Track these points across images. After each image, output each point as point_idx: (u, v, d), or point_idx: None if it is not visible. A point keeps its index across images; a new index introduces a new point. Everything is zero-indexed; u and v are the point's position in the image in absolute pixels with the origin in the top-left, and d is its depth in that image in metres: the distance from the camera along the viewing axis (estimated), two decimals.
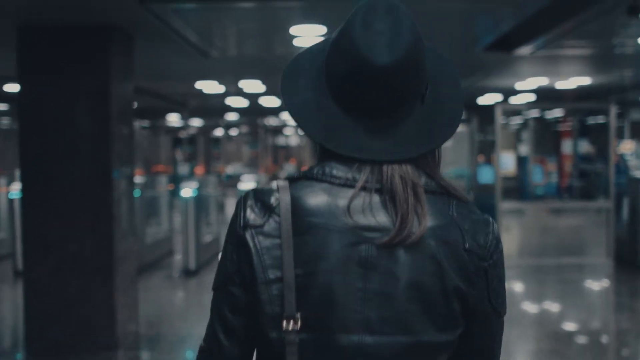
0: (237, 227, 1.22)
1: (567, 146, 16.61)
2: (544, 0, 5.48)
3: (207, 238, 10.93)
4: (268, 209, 1.21)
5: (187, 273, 9.64)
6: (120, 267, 5.80)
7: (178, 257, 10.87)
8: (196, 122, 22.01)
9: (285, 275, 1.17)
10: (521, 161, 16.99)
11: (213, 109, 17.13)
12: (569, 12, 5.86)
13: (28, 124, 5.62)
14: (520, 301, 7.87)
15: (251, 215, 1.22)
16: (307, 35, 6.22)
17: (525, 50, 7.44)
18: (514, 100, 14.05)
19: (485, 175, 15.93)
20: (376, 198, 1.20)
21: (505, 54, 7.53)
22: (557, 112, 17.25)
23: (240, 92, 12.34)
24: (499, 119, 9.76)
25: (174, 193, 12.39)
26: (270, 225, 1.20)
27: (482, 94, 13.67)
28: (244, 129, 23.43)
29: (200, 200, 10.32)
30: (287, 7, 5.55)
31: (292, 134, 25.37)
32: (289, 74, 1.29)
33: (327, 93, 1.23)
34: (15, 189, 10.04)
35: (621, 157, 13.87)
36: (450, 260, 1.19)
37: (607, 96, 13.32)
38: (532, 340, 6.40)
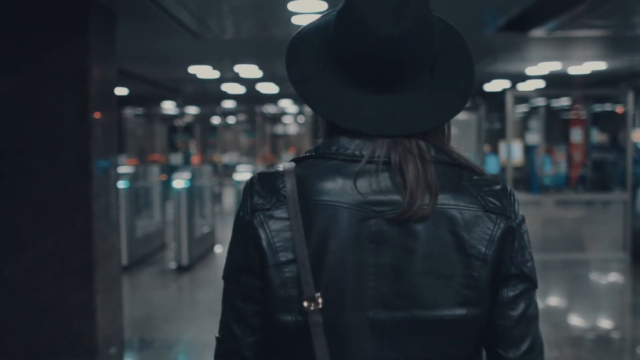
0: (245, 212, 1.21)
1: (576, 135, 16.19)
2: None
3: (202, 231, 10.49)
4: (275, 192, 1.20)
5: (180, 269, 9.21)
6: (101, 266, 5.35)
7: (171, 252, 10.43)
8: (192, 110, 21.57)
9: (298, 256, 1.16)
10: (528, 150, 16.56)
11: (209, 96, 16.69)
12: None
13: None
14: None
15: (258, 200, 1.20)
16: (307, 11, 5.75)
17: (540, 31, 6.98)
18: (522, 87, 13.60)
19: (492, 165, 15.51)
20: (384, 172, 1.18)
21: (518, 36, 7.06)
22: (565, 100, 16.81)
23: (236, 78, 11.89)
24: (510, 106, 9.29)
25: (168, 183, 11.93)
26: (278, 208, 1.19)
27: (489, 80, 13.22)
28: (242, 117, 23.00)
29: (193, 191, 9.87)
30: None
31: (290, 123, 24.92)
32: (294, 47, 1.25)
33: (333, 66, 1.20)
34: None
35: (635, 146, 13.43)
36: (469, 227, 1.17)
37: (618, 83, 12.87)
38: (548, 345, 5.97)
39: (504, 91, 14.50)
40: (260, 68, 10.30)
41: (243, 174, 9.50)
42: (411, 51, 1.16)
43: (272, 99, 17.89)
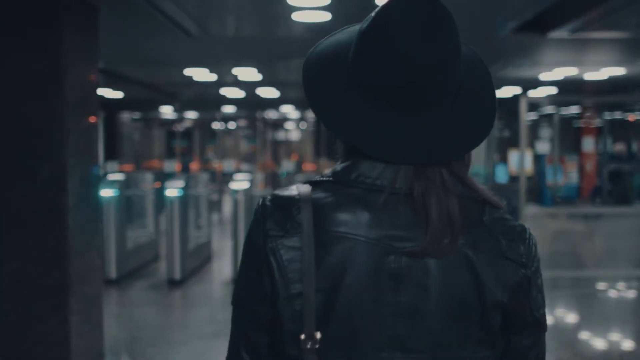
0: (257, 238, 1.17)
1: (588, 144, 15.70)
2: None
3: (197, 242, 9.99)
4: (289, 218, 1.15)
5: (172, 283, 8.71)
6: (77, 288, 4.85)
7: (164, 264, 9.93)
8: (191, 115, 21.12)
9: (305, 290, 1.12)
10: (538, 160, 16.07)
11: (208, 100, 16.22)
12: None
13: None
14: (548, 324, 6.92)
15: (271, 225, 1.16)
16: (307, 5, 5.26)
17: (560, 33, 6.49)
18: (533, 93, 13.12)
19: (500, 175, 15.03)
20: (406, 205, 1.14)
21: (537, 37, 6.57)
22: (575, 107, 16.33)
23: (235, 82, 11.42)
24: (524, 112, 8.78)
25: (162, 191, 11.45)
26: (292, 236, 1.14)
27: (499, 87, 12.73)
28: (242, 122, 22.54)
29: (187, 200, 9.38)
30: None
31: (292, 129, 24.45)
32: (312, 64, 1.21)
33: (356, 89, 1.16)
34: None
35: None
36: (488, 270, 1.14)
37: (632, 90, 12.39)
38: None
39: (514, 97, 14.07)
40: (259, 71, 9.82)
41: (240, 183, 8.99)
42: (439, 77, 1.13)
43: (273, 104, 17.42)
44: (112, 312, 7.61)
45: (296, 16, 5.69)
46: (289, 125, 23.94)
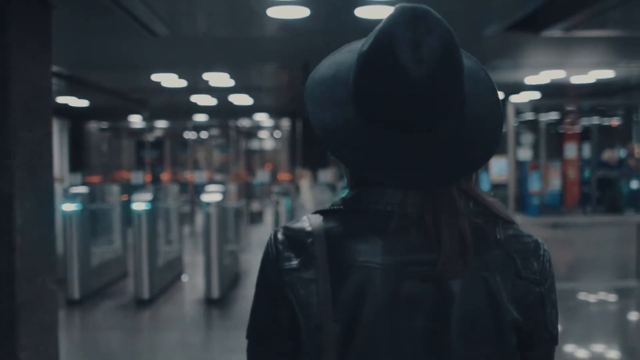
0: (271, 272, 1.18)
1: (570, 150, 15.41)
2: None
3: (166, 259, 9.47)
4: (303, 250, 1.16)
5: (140, 303, 8.18)
6: (27, 317, 4.35)
7: (132, 282, 9.39)
8: (162, 124, 20.56)
9: (322, 322, 1.13)
10: (520, 167, 15.75)
11: (178, 108, 15.71)
12: None
13: None
14: None
15: (284, 258, 1.17)
16: None
17: (555, 31, 6.11)
18: (515, 98, 12.78)
19: (484, 183, 14.69)
20: (418, 228, 1.14)
21: (530, 36, 6.19)
22: (556, 113, 16.07)
23: (206, 89, 10.94)
24: (512, 118, 8.42)
25: (130, 204, 10.91)
26: (308, 269, 1.15)
27: None
28: (215, 131, 22.03)
29: (156, 214, 8.87)
30: None
31: (267, 138, 23.96)
32: (313, 89, 1.21)
33: (358, 110, 1.16)
34: None
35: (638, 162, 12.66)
36: (504, 290, 1.15)
37: (616, 94, 12.12)
38: None
39: (508, 101, 13.77)
40: (232, 76, 9.35)
41: (212, 195, 8.50)
42: (443, 95, 1.12)
43: (247, 111, 16.95)
44: (74, 337, 7.08)
45: (272, 12, 5.25)
46: (262, 134, 23.47)
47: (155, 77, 9.25)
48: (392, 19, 1.13)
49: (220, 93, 11.74)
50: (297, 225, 1.19)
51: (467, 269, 1.12)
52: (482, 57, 5.98)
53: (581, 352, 6.19)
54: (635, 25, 6.31)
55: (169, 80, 9.51)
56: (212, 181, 17.42)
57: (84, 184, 13.41)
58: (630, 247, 8.79)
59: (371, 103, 1.14)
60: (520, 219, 9.03)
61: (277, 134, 22.74)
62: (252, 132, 22.30)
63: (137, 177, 13.31)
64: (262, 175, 16.80)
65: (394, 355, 1.13)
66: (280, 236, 1.19)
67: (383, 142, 1.14)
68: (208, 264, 8.28)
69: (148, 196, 8.38)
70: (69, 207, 8.31)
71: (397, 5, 1.15)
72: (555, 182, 15.00)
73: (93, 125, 18.16)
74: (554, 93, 12.29)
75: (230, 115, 18.78)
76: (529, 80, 10.04)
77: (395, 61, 1.10)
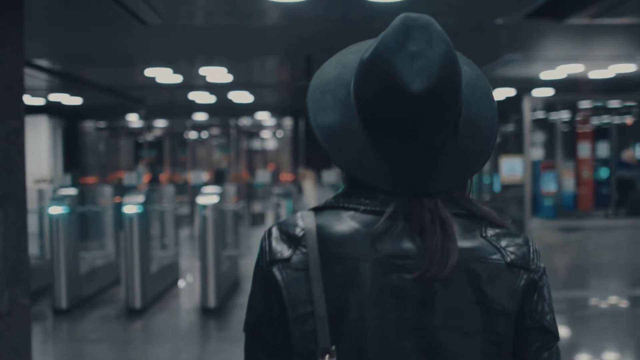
0: (263, 263, 1.22)
1: (584, 149, 14.91)
2: None
3: (160, 265, 9.01)
4: (294, 241, 1.21)
5: (131, 313, 7.72)
6: None
7: (124, 289, 8.92)
8: (160, 124, 20.10)
9: (316, 308, 1.16)
10: (531, 167, 15.24)
11: (176, 107, 15.26)
12: None
13: None
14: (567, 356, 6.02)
15: (277, 249, 1.21)
16: None
17: (580, 18, 5.63)
18: (533, 94, 12.30)
19: (496, 184, 14.26)
20: (404, 227, 1.18)
21: (553, 23, 5.71)
22: (567, 111, 15.60)
23: (204, 86, 10.49)
24: (528, 114, 7.95)
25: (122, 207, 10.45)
26: (298, 258, 1.19)
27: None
28: (215, 131, 21.58)
29: (149, 217, 8.41)
30: None
31: (269, 137, 23.50)
32: (315, 89, 1.25)
33: (356, 117, 1.21)
34: None
35: None
36: (492, 281, 1.18)
37: (633, 90, 11.65)
38: None
39: (507, 100, 13.28)
40: (230, 71, 8.88)
41: (209, 197, 8.03)
42: (438, 108, 1.16)
43: (247, 110, 16.49)
44: (59, 350, 6.64)
45: None
46: (264, 133, 23.01)
47: (149, 72, 8.79)
48: (393, 29, 1.16)
49: (219, 90, 11.28)
50: (289, 220, 1.24)
51: (452, 263, 1.15)
52: (494, 50, 5.52)
53: None
54: None
55: (164, 75, 9.04)
56: (210, 182, 16.92)
57: (76, 185, 12.96)
58: None
59: (368, 111, 1.18)
60: (535, 223, 8.55)
61: (280, 133, 22.30)
62: (253, 132, 21.84)
63: (129, 177, 12.74)
64: (262, 176, 16.29)
65: (381, 345, 1.16)
66: (273, 231, 1.23)
67: (378, 149, 1.18)
68: (204, 271, 7.82)
69: (140, 198, 7.91)
70: (56, 210, 7.85)
71: (401, 15, 1.17)
72: (568, 183, 14.51)
73: (89, 125, 17.70)
74: (568, 89, 11.81)
75: (231, 114, 18.33)
76: (545, 75, 9.56)
77: (392, 72, 1.13)
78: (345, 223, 1.19)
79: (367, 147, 1.19)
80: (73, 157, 15.97)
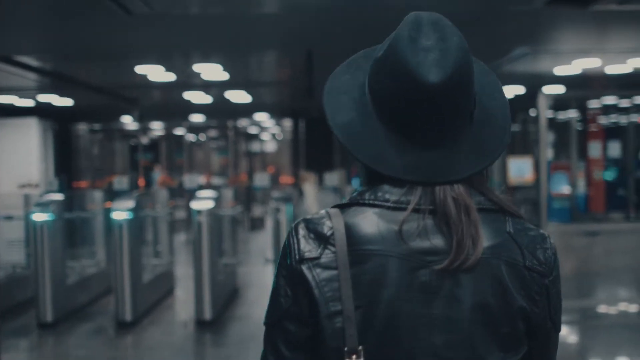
0: (292, 260, 1.24)
1: (595, 149, 14.44)
2: None
3: (153, 274, 8.55)
4: (322, 240, 1.23)
5: (121, 326, 7.26)
6: None
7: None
8: (156, 126, 19.63)
9: (344, 307, 1.19)
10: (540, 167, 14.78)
11: (172, 108, 14.79)
12: None
13: None
14: None
15: (306, 247, 1.23)
16: None
17: (609, 4, 5.17)
18: (547, 91, 11.80)
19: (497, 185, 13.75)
20: (430, 221, 1.22)
21: (579, 9, 5.24)
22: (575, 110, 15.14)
23: (199, 84, 10.03)
24: (544, 111, 7.48)
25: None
26: (327, 257, 1.22)
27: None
28: (212, 132, 21.10)
29: (139, 224, 7.95)
30: None
31: (268, 139, 23.03)
32: (331, 91, 1.31)
33: (373, 113, 1.26)
34: None
35: None
36: (512, 279, 1.22)
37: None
38: None
39: (517, 98, 12.81)
40: (225, 68, 8.42)
41: (204, 202, 7.56)
42: (454, 97, 1.20)
43: (246, 111, 16.03)
44: None
45: None
46: (264, 135, 22.53)
47: (139, 69, 8.31)
48: (405, 26, 1.23)
49: (215, 89, 10.82)
50: (316, 217, 1.26)
51: (478, 256, 1.19)
52: (505, 44, 5.04)
53: None
54: None
55: (156, 73, 8.57)
56: (209, 185, 16.44)
57: (66, 189, 12.49)
58: None
59: (385, 106, 1.24)
60: (552, 227, 8.09)
61: (279, 135, 21.82)
62: (252, 133, 21.37)
63: (120, 181, 12.21)
64: (261, 179, 15.81)
65: (411, 340, 1.19)
66: (300, 228, 1.25)
67: (397, 142, 1.23)
68: (199, 281, 7.35)
69: (130, 204, 7.44)
70: (40, 217, 7.38)
71: (410, 13, 1.25)
72: (580, 185, 14.06)
73: (82, 127, 17.20)
74: (580, 87, 11.35)
75: (229, 115, 17.85)
76: (559, 70, 9.09)
77: (407, 66, 1.19)
78: (373, 220, 1.22)
79: (386, 141, 1.23)
80: (65, 161, 15.48)
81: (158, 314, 7.93)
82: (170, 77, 8.94)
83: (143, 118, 17.18)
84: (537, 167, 14.90)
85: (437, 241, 1.20)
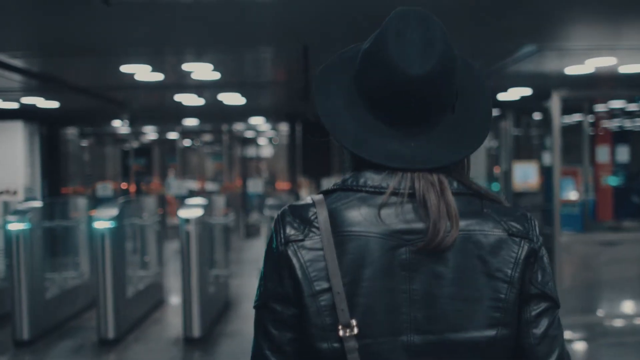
0: (278, 243, 1.29)
1: (603, 154, 13.99)
2: None
3: (139, 287, 8.04)
4: (307, 223, 1.28)
5: (103, 344, 6.76)
6: None
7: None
8: (148, 130, 19.13)
9: (333, 285, 1.24)
10: (546, 173, 14.34)
11: (163, 111, 14.28)
12: None
13: None
14: None
15: (291, 231, 1.28)
16: None
17: None
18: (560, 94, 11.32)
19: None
20: (409, 204, 1.28)
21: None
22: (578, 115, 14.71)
23: (189, 85, 9.53)
24: (557, 112, 7.00)
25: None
26: (312, 239, 1.27)
27: (505, 89, 11.00)
28: (206, 137, 20.61)
29: (124, 233, 7.44)
30: None
31: (263, 144, 22.54)
32: (321, 79, 1.38)
33: (360, 102, 1.33)
34: None
35: None
36: (495, 251, 1.27)
37: None
38: None
39: (522, 99, 12.35)
40: (216, 67, 7.93)
41: (192, 210, 7.06)
42: (436, 89, 1.28)
43: (240, 114, 15.53)
44: None
45: None
46: (259, 140, 22.04)
47: (125, 68, 7.82)
48: (392, 20, 1.30)
49: (207, 90, 10.32)
50: (301, 203, 1.33)
51: (455, 237, 1.25)
52: (512, 42, 4.43)
53: None
54: None
55: (142, 72, 8.08)
56: (191, 194, 15.87)
57: (51, 196, 11.98)
58: None
59: (371, 95, 1.31)
60: (565, 237, 7.61)
61: (275, 140, 21.35)
62: (247, 138, 20.88)
63: (103, 188, 11.67)
64: (254, 185, 15.30)
65: (393, 315, 1.24)
66: (286, 214, 1.31)
67: (381, 129, 1.31)
68: (187, 295, 6.87)
69: (113, 212, 6.94)
70: (16, 226, 6.88)
71: (397, 8, 1.31)
72: (589, 191, 13.59)
73: (71, 132, 16.69)
74: (590, 87, 10.90)
75: (223, 119, 17.37)
76: (570, 70, 8.62)
77: (393, 58, 1.26)
78: (354, 204, 1.28)
79: (370, 128, 1.31)
80: (53, 166, 14.97)
81: (144, 330, 7.43)
82: (159, 77, 8.45)
83: (134, 122, 16.67)
84: (546, 173, 14.47)
85: (415, 222, 1.26)
